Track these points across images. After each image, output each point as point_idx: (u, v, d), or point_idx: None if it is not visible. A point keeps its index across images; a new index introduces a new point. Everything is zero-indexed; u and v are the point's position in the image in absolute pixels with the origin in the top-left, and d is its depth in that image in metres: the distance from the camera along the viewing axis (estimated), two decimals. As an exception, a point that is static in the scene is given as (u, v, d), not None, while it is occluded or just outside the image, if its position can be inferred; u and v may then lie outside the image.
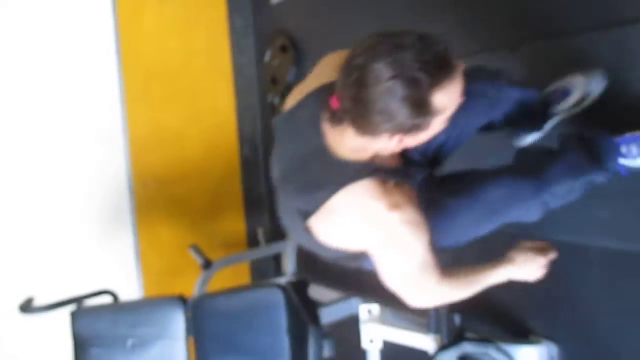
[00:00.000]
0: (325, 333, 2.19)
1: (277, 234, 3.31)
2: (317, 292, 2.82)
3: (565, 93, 1.63)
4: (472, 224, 1.33)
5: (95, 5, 3.07)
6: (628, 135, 1.46)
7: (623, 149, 1.46)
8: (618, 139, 1.47)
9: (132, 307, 2.36)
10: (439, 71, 0.95)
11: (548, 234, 1.66)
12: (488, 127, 1.52)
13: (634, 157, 1.45)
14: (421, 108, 0.96)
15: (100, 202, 3.09)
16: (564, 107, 1.63)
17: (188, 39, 3.40)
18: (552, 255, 1.39)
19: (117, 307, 2.38)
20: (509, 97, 1.49)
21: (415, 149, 1.24)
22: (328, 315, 2.48)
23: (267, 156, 3.41)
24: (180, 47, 3.36)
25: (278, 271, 3.28)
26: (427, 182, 1.30)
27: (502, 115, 1.51)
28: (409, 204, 1.10)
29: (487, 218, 1.33)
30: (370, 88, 0.95)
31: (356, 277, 2.72)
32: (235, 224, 3.55)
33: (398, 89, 0.93)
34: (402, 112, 0.96)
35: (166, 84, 3.31)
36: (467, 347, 1.70)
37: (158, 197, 3.24)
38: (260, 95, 3.46)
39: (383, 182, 1.10)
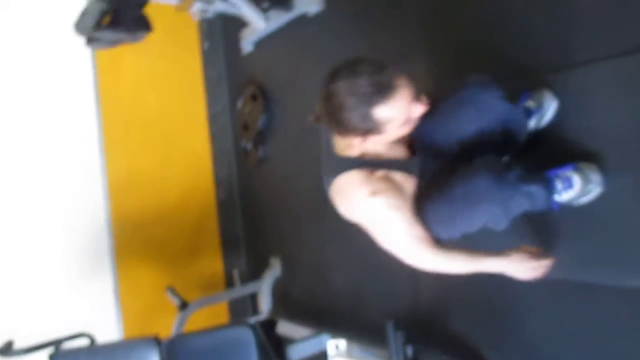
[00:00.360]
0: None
1: (254, 273, 3.42)
2: (290, 329, 2.93)
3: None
4: (447, 216, 1.43)
5: (75, 58, 3.25)
6: (552, 170, 1.59)
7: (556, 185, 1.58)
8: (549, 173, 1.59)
9: (109, 349, 2.45)
10: (380, 90, 1.21)
11: None
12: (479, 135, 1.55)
13: (559, 192, 1.59)
14: (367, 118, 1.23)
15: (80, 246, 3.20)
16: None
17: (165, 89, 3.58)
18: (545, 262, 1.52)
19: (94, 349, 2.46)
20: (495, 107, 1.52)
21: (421, 144, 1.49)
22: (299, 352, 2.58)
23: (242, 198, 3.58)
24: (157, 96, 3.54)
25: (255, 310, 3.37)
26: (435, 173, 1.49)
27: (490, 126, 1.53)
28: (389, 191, 1.35)
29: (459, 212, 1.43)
30: (331, 103, 1.24)
31: (327, 314, 2.85)
32: (213, 265, 3.66)
33: (349, 104, 1.22)
34: (353, 121, 1.24)
35: (144, 131, 3.47)
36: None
37: (136, 240, 3.35)
38: (234, 141, 3.61)
39: (370, 172, 1.36)
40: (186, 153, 3.62)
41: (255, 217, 3.49)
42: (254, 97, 3.31)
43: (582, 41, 1.68)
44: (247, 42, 3.32)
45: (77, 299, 3.14)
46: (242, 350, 2.32)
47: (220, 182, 3.69)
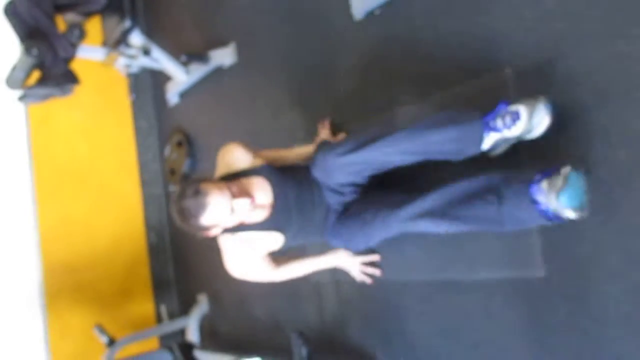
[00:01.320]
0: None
1: (184, 310, 3.56)
2: (215, 357, 3.08)
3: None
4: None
5: (7, 111, 3.44)
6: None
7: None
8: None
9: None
10: (199, 208, 1.57)
11: (380, 277, 2.10)
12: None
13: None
14: (200, 226, 1.61)
15: (9, 292, 3.28)
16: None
17: (96, 140, 3.79)
18: (369, 259, 2.07)
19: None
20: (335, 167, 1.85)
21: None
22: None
23: (173, 241, 3.75)
24: (89, 147, 3.74)
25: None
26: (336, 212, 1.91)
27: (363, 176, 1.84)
28: (241, 247, 1.81)
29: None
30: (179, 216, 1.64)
31: (250, 341, 3.02)
32: (145, 307, 3.77)
33: (185, 220, 1.61)
34: (193, 229, 1.63)
35: (76, 180, 3.64)
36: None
37: (67, 284, 3.45)
38: (164, 186, 3.82)
39: (230, 235, 1.78)
40: (118, 200, 3.79)
41: (185, 257, 3.67)
42: (179, 144, 3.56)
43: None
44: (172, 94, 3.60)
45: (6, 345, 3.20)
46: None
47: (151, 226, 3.86)
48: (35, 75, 2.77)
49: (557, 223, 1.45)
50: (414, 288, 2.08)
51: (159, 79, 3.72)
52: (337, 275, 2.33)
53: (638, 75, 1.42)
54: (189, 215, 1.58)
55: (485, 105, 1.64)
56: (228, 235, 1.79)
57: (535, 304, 1.68)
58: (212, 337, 3.35)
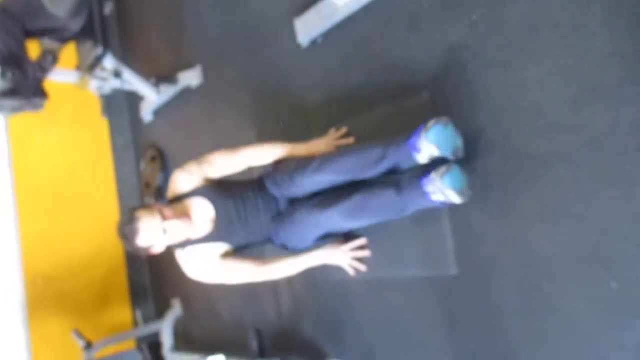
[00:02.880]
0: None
1: (159, 315, 3.78)
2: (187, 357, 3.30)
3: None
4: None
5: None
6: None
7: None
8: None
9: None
10: (131, 233, 1.82)
11: (327, 277, 2.34)
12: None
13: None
14: (138, 247, 1.85)
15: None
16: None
17: (74, 157, 4.02)
18: (354, 244, 2.15)
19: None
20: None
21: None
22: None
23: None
24: (66, 164, 3.97)
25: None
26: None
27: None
28: (191, 259, 2.01)
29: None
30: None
31: (218, 341, 3.25)
32: (122, 313, 3.99)
33: (126, 242, 1.86)
34: (135, 249, 1.87)
35: (55, 195, 3.87)
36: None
37: (48, 294, 3.67)
38: (140, 199, 4.04)
39: (186, 247, 2.00)
40: (95, 213, 4.01)
41: (159, 264, 3.89)
42: (153, 159, 3.79)
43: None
44: (145, 112, 3.84)
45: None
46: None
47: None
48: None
49: (447, 206, 1.80)
50: (356, 286, 2.32)
51: (134, 98, 3.95)
52: (291, 278, 2.58)
53: (529, 100, 1.67)
54: (127, 239, 1.84)
55: (412, 123, 1.88)
56: (179, 250, 2.03)
57: (448, 298, 1.93)
58: (185, 339, 3.57)
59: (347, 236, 2.22)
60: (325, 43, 2.40)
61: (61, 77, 3.30)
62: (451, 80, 1.87)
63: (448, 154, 1.73)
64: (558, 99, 1.58)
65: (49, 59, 3.04)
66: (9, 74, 2.88)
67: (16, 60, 2.91)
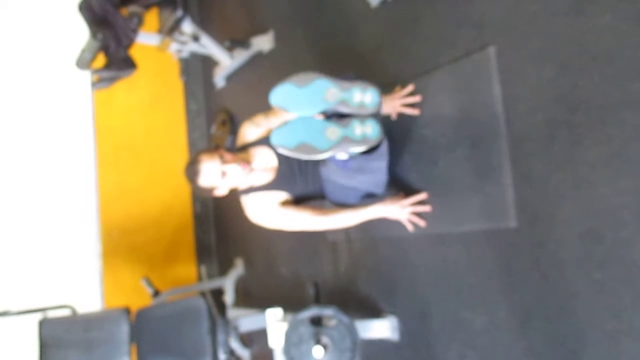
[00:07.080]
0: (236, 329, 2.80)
1: (222, 272, 3.95)
2: (246, 313, 3.42)
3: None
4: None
5: (76, 92, 3.93)
6: None
7: None
8: None
9: (87, 317, 2.97)
10: (194, 173, 1.96)
11: (386, 233, 2.39)
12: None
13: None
14: (201, 187, 1.99)
15: (73, 248, 3.76)
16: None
17: (151, 119, 4.24)
18: (414, 199, 2.16)
19: (75, 317, 2.98)
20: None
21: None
22: (247, 324, 3.07)
23: (215, 211, 4.15)
24: (144, 125, 4.20)
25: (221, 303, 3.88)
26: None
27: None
28: (261, 205, 2.11)
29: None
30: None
31: (276, 298, 3.36)
32: (188, 268, 4.19)
33: (189, 182, 2.02)
34: (198, 189, 2.02)
35: (132, 153, 4.11)
36: (315, 310, 2.28)
37: (121, 244, 3.91)
38: (209, 162, 4.21)
39: (249, 194, 2.11)
40: (168, 172, 4.22)
41: (225, 225, 4.06)
42: (223, 123, 3.94)
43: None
44: (219, 78, 3.99)
45: (68, 295, 3.68)
46: (196, 315, 2.83)
47: (197, 197, 4.28)
48: (101, 61, 3.21)
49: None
50: (413, 242, 2.34)
51: (207, 64, 4.12)
52: (350, 234, 2.63)
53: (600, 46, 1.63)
54: (191, 179, 1.98)
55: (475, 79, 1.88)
56: (244, 196, 2.14)
57: (506, 251, 1.91)
58: (245, 296, 3.71)
59: (407, 191, 2.24)
60: (395, 1, 2.42)
61: (144, 39, 3.49)
62: (520, 32, 1.85)
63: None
64: (630, 44, 1.53)
65: (135, 21, 3.23)
66: (99, 35, 3.09)
67: (109, 24, 3.13)
